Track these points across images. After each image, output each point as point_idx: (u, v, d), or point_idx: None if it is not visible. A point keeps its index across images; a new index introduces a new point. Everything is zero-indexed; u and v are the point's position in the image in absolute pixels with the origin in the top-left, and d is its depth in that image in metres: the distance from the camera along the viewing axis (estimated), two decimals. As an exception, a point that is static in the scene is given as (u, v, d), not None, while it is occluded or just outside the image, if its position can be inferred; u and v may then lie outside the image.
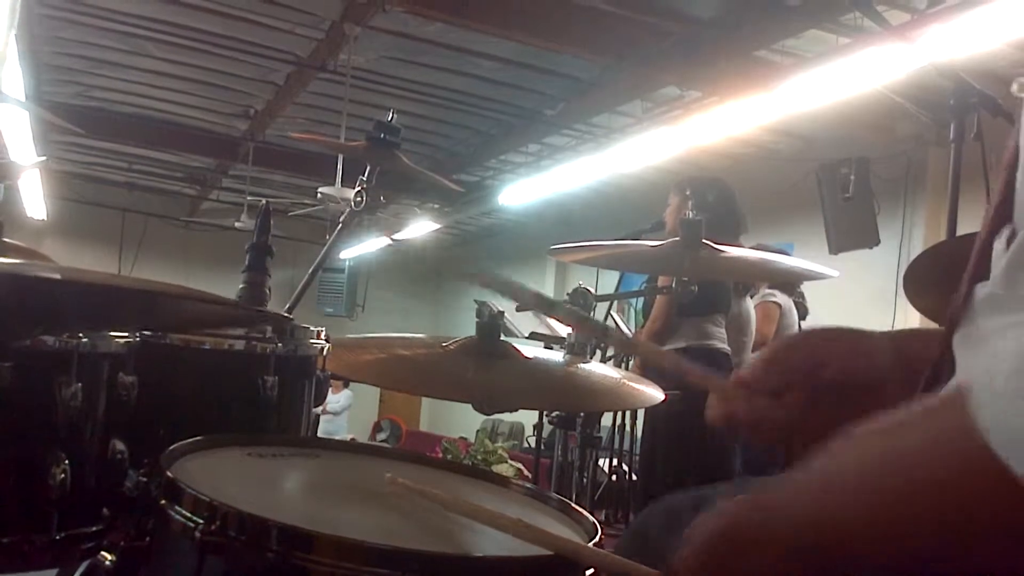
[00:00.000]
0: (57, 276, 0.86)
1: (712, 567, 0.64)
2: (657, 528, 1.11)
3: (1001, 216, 0.63)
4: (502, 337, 1.53)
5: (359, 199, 2.02)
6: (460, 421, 10.40)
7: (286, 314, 1.46)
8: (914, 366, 0.76)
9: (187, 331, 1.28)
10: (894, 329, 0.82)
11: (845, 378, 0.78)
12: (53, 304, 0.91)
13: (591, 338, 2.14)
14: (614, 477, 4.39)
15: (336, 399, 10.08)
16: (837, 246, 5.42)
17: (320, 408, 1.53)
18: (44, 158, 5.69)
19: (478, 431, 9.47)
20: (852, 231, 5.39)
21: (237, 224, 8.46)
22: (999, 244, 0.62)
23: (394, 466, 1.16)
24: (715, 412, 0.82)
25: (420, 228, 9.29)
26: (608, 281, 4.21)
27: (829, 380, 0.78)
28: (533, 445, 5.20)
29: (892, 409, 0.69)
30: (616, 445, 4.22)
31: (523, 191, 7.54)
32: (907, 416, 0.57)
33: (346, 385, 9.88)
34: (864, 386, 0.77)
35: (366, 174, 2.03)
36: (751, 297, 4.25)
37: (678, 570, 0.66)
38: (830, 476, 0.59)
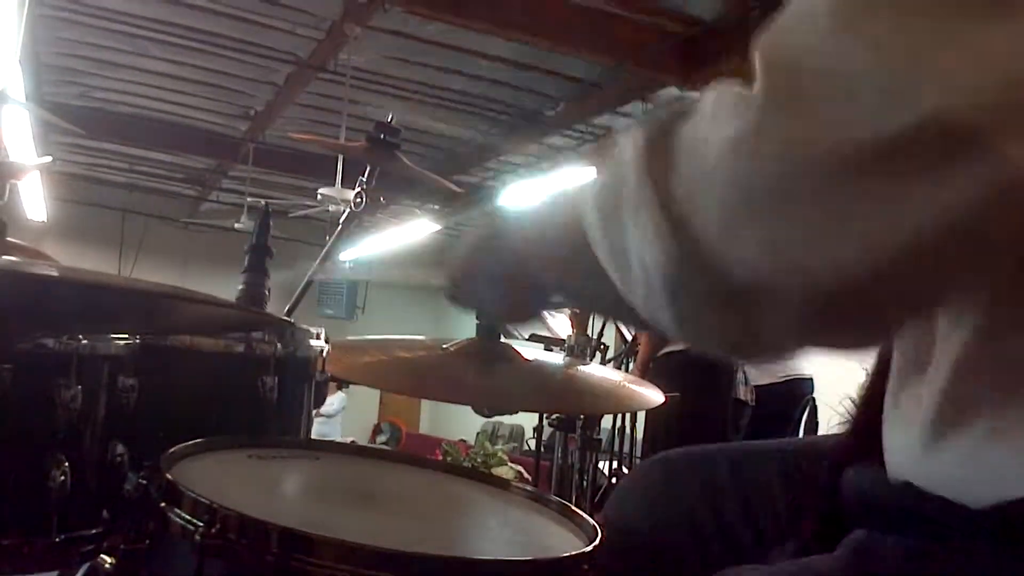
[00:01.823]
0: (56, 274, 0.86)
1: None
2: (656, 482, 1.09)
3: None
4: (503, 339, 1.53)
5: (359, 200, 2.02)
6: (460, 423, 10.40)
7: (285, 318, 1.46)
8: None
9: (187, 334, 1.28)
10: None
11: None
12: (52, 305, 0.91)
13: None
14: (614, 480, 4.39)
15: (330, 401, 10.07)
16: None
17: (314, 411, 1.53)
18: (50, 158, 5.67)
19: (478, 433, 9.49)
20: (852, 232, 5.38)
21: (237, 225, 8.46)
22: None
23: (394, 469, 1.16)
24: None
25: (420, 229, 9.28)
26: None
27: None
28: (533, 448, 5.20)
29: None
30: (616, 447, 4.21)
31: (524, 192, 7.53)
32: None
33: (340, 387, 9.88)
34: None
35: (366, 175, 2.03)
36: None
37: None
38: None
